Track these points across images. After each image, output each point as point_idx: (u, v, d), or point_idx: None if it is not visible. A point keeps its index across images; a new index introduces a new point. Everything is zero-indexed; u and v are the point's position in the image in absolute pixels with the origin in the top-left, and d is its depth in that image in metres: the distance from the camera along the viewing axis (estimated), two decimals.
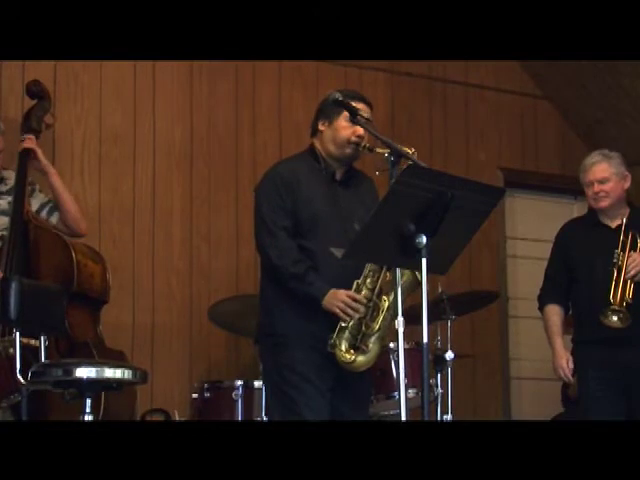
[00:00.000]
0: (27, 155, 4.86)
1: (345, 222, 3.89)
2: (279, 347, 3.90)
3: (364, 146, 3.91)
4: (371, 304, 3.84)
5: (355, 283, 3.85)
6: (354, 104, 3.92)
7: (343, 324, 3.82)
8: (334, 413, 3.86)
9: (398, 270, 3.55)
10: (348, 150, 3.97)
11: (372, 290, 3.85)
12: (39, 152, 4.88)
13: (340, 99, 3.91)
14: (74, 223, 4.85)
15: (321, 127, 4.02)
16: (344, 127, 3.96)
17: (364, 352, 3.83)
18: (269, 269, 3.95)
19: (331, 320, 3.84)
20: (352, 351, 3.82)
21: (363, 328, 3.83)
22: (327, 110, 4.00)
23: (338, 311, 3.80)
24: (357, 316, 3.82)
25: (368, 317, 3.84)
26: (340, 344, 3.82)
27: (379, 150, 3.77)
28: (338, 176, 4.04)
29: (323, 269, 3.88)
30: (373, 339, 3.85)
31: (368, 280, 3.86)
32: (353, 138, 3.95)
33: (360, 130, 3.93)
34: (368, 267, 3.86)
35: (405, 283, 3.67)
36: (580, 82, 6.60)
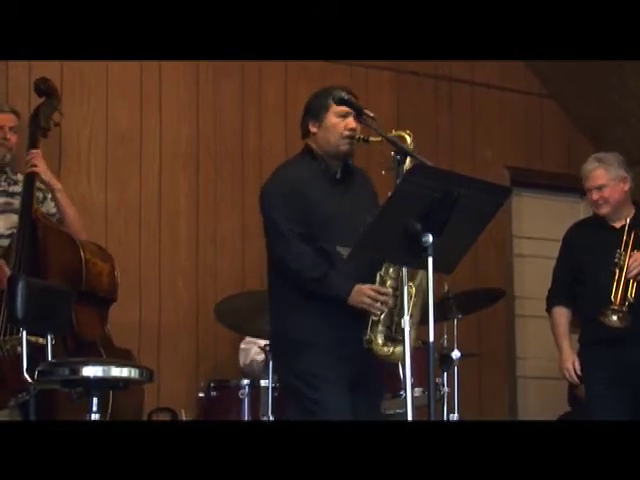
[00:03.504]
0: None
1: (350, 221, 3.85)
2: (296, 351, 3.85)
3: (359, 138, 3.88)
4: (398, 293, 3.78)
5: (378, 275, 3.82)
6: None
7: (374, 318, 3.79)
8: (354, 413, 3.83)
9: (404, 270, 3.55)
10: (344, 146, 3.93)
11: (396, 279, 3.80)
12: (42, 171, 4.87)
13: (345, 98, 3.90)
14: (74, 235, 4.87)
15: (312, 128, 3.97)
16: (335, 123, 3.92)
17: (401, 342, 3.74)
18: (286, 275, 3.89)
19: (350, 319, 3.81)
20: (389, 343, 3.79)
21: (395, 318, 3.79)
22: (314, 110, 3.96)
23: (367, 307, 3.77)
24: (386, 308, 3.79)
25: (398, 306, 3.79)
26: (376, 338, 3.79)
27: (373, 139, 3.79)
28: (338, 174, 4.01)
29: (338, 269, 3.83)
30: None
31: (391, 270, 3.82)
32: (346, 132, 3.91)
33: (352, 123, 3.89)
34: None
35: (420, 285, 3.64)
36: (585, 81, 6.59)
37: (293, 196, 3.88)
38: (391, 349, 3.79)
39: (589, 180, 4.79)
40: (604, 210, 4.76)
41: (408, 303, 3.74)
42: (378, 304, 3.77)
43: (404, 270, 3.55)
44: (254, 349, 5.24)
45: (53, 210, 4.91)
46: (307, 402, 3.80)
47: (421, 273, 3.68)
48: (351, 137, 3.90)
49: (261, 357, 5.13)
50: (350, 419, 3.78)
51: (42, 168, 4.88)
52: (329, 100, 3.92)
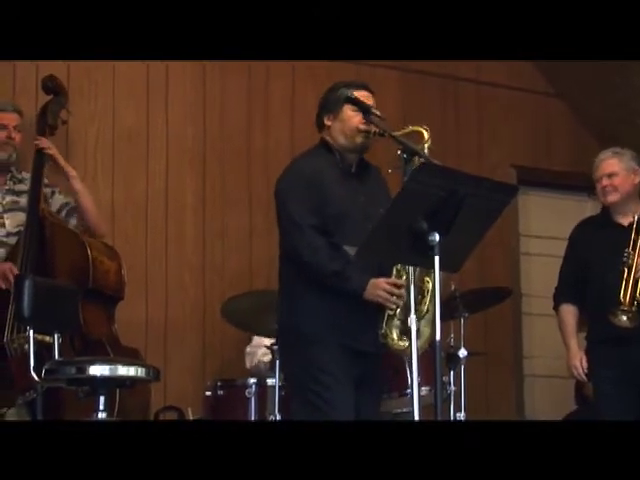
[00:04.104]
0: (42, 153, 4.89)
1: (364, 215, 3.84)
2: (305, 345, 3.84)
3: (374, 132, 3.87)
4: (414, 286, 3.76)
5: (394, 269, 3.82)
6: (356, 93, 3.91)
7: (390, 312, 3.79)
8: (357, 411, 3.83)
9: (411, 270, 3.54)
10: (359, 139, 3.93)
11: (413, 273, 3.78)
12: (58, 157, 4.90)
13: (352, 97, 3.89)
14: (94, 225, 4.90)
15: (327, 122, 3.99)
16: (350, 117, 3.93)
17: (416, 337, 3.75)
18: (300, 267, 3.87)
19: (360, 316, 3.81)
20: (404, 337, 3.78)
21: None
22: (330, 103, 3.98)
23: (382, 301, 3.76)
24: (402, 302, 3.77)
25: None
26: (391, 333, 3.80)
27: (389, 133, 3.76)
28: (353, 168, 4.02)
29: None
30: (423, 322, 3.77)
31: None
32: (362, 126, 3.91)
33: None
34: None
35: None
36: (591, 81, 6.59)
37: (309, 188, 3.88)
38: (406, 343, 3.77)
39: (600, 168, 4.78)
40: (612, 198, 4.75)
41: (424, 298, 3.75)
42: (394, 298, 3.76)
43: (411, 270, 3.54)
44: (260, 351, 5.25)
45: (64, 201, 4.91)
46: (311, 395, 3.80)
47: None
48: (367, 131, 3.90)
49: (267, 358, 5.14)
50: (352, 416, 3.78)
51: (55, 152, 4.90)
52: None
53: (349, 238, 3.81)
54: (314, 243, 3.82)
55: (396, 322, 3.80)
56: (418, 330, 3.74)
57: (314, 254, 3.81)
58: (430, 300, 3.77)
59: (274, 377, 4.71)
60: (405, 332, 3.78)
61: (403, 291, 3.76)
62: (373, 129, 3.88)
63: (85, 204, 4.89)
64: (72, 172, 4.93)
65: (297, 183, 3.91)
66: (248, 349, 5.38)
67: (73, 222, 4.90)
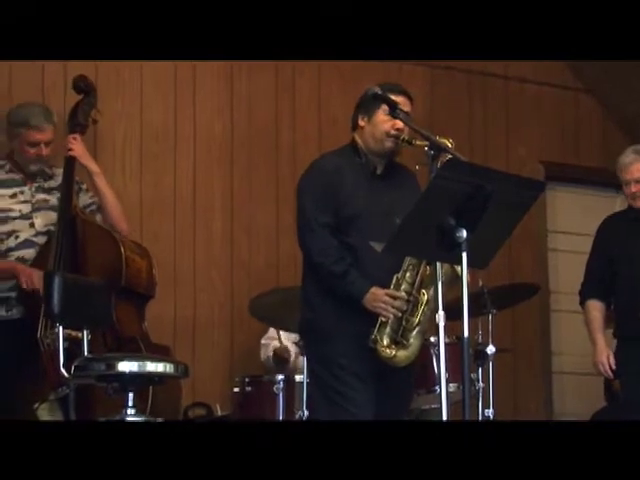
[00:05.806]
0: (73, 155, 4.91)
1: (386, 218, 3.85)
2: (323, 341, 3.91)
3: (403, 139, 3.90)
4: (411, 298, 3.84)
5: (395, 277, 3.86)
6: (393, 97, 3.91)
7: (383, 319, 3.83)
8: (376, 407, 3.87)
9: (439, 264, 3.55)
10: (388, 144, 3.96)
11: (412, 284, 3.85)
12: (79, 154, 4.88)
13: (379, 93, 3.90)
14: (115, 224, 4.88)
15: (361, 122, 4.02)
16: (383, 121, 3.95)
17: (405, 347, 3.84)
18: (310, 265, 3.96)
19: (372, 315, 3.85)
20: (393, 346, 3.83)
21: (403, 323, 3.84)
22: (366, 105, 3.99)
23: (380, 311, 3.81)
24: (399, 314, 3.83)
25: (408, 312, 3.85)
26: (381, 339, 3.82)
27: (418, 142, 3.78)
28: (379, 170, 4.03)
29: (364, 264, 3.88)
30: (414, 333, 3.85)
31: (408, 274, 3.86)
32: (392, 131, 3.93)
33: (399, 123, 3.91)
34: (407, 261, 3.87)
35: (444, 277, 3.65)
36: (621, 75, 6.55)
37: (327, 186, 3.92)
38: (394, 352, 3.83)
39: (628, 172, 4.77)
40: None
41: (417, 310, 3.82)
42: (391, 309, 3.81)
43: (438, 265, 3.55)
44: (273, 343, 5.29)
45: (90, 201, 4.93)
46: (330, 392, 3.86)
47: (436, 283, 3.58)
48: (396, 137, 3.92)
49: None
50: (371, 412, 3.81)
51: (79, 151, 4.88)
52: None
53: (364, 237, 3.87)
54: (323, 243, 3.88)
55: (388, 330, 3.84)
56: (408, 341, 3.84)
57: (320, 255, 3.87)
58: (424, 313, 3.83)
59: (301, 373, 4.72)
60: (395, 341, 3.84)
61: (401, 303, 3.81)
62: (402, 136, 3.90)
63: (106, 201, 4.87)
64: (95, 169, 4.91)
65: (316, 181, 3.96)
66: (263, 341, 5.41)
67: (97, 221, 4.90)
